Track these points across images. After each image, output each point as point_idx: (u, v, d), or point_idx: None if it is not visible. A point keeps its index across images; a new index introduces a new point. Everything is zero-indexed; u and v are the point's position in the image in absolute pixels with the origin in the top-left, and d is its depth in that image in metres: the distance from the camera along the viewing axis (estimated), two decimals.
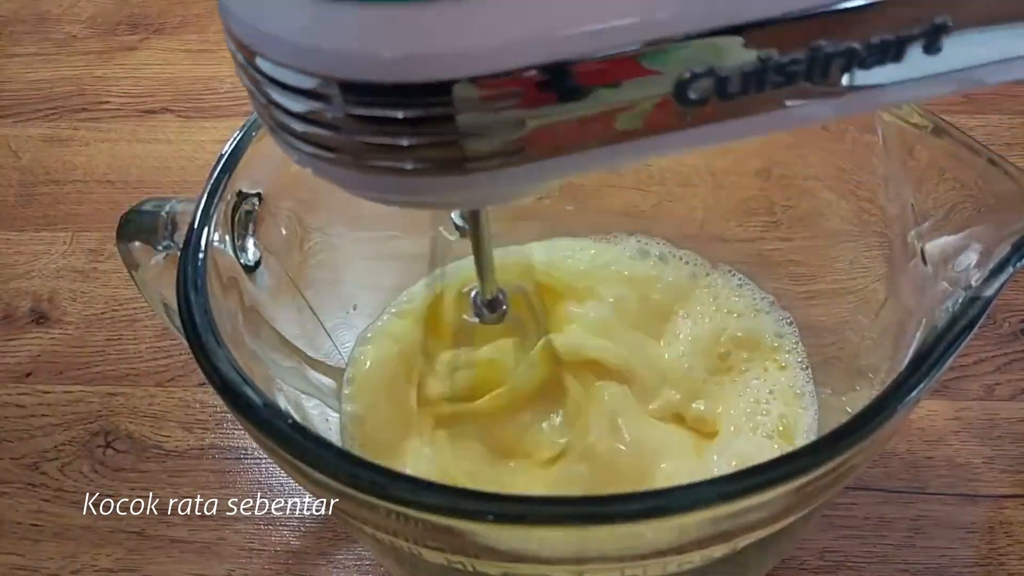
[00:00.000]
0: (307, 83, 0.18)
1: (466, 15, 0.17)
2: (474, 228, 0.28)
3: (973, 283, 0.26)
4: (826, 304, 0.38)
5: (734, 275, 0.41)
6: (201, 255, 0.28)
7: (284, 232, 0.34)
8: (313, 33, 0.18)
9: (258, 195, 0.32)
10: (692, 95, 0.19)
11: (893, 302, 0.31)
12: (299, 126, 0.19)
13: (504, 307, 0.32)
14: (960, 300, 0.25)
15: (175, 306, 0.28)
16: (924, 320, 0.26)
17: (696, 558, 0.25)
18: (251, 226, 0.32)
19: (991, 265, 0.26)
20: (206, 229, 0.29)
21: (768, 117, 0.20)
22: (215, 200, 0.30)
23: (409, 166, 0.19)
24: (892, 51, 0.19)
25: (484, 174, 0.19)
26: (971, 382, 0.41)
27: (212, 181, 0.30)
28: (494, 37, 0.17)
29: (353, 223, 0.39)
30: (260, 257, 0.32)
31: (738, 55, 0.18)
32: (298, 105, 0.19)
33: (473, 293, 0.32)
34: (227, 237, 0.30)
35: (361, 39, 0.17)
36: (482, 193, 0.22)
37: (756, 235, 0.40)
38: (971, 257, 0.26)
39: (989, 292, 0.25)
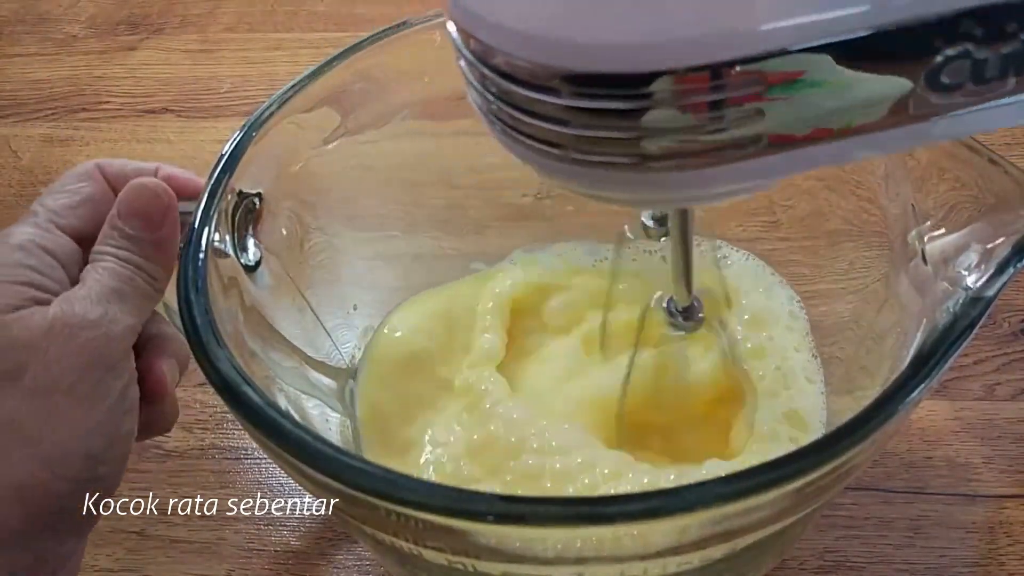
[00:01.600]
0: (537, 75, 0.19)
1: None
2: (681, 228, 0.27)
3: (973, 284, 0.26)
4: (826, 304, 0.38)
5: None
6: (202, 255, 0.28)
7: (284, 232, 0.34)
8: (546, 21, 0.18)
9: (258, 195, 0.32)
10: (945, 79, 0.18)
11: (893, 302, 0.31)
12: (527, 120, 0.20)
13: (701, 314, 0.31)
14: (961, 300, 0.25)
15: (175, 306, 0.28)
16: (925, 320, 0.26)
17: (696, 558, 0.25)
18: (251, 226, 0.32)
19: (992, 265, 0.25)
20: (206, 229, 0.29)
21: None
22: (215, 200, 0.30)
23: (623, 160, 0.19)
24: None
25: (724, 167, 0.19)
26: (971, 382, 0.41)
27: (212, 181, 0.30)
28: (749, 19, 0.17)
29: (353, 223, 0.39)
30: (260, 257, 0.32)
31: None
32: (525, 98, 0.19)
33: (667, 300, 0.31)
34: (227, 237, 0.30)
35: (600, 26, 0.18)
36: (715, 189, 0.21)
37: (756, 235, 0.40)
38: (971, 257, 0.26)
39: (990, 292, 0.25)
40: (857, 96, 0.19)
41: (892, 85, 0.19)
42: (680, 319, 0.31)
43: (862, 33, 0.18)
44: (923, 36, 0.18)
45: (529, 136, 0.20)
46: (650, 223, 0.31)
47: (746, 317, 0.38)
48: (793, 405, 0.35)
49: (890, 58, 0.18)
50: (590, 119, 0.19)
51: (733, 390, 0.36)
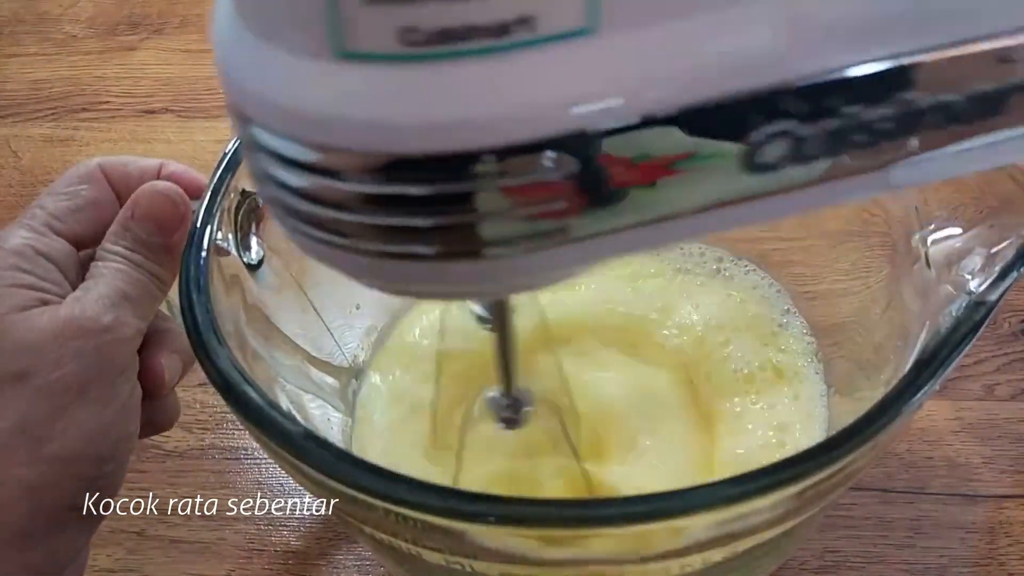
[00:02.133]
0: (311, 156, 0.16)
1: (496, 76, 0.15)
2: (500, 319, 0.25)
3: (976, 288, 0.25)
4: (827, 305, 0.38)
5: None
6: (204, 254, 0.28)
7: None
8: (319, 99, 0.15)
9: None
10: (762, 160, 0.17)
11: (896, 305, 0.31)
12: (303, 205, 0.17)
13: (528, 407, 0.29)
14: (964, 304, 0.25)
15: (177, 303, 0.28)
16: (927, 324, 0.26)
17: (697, 561, 0.25)
18: (254, 224, 0.32)
19: (995, 270, 0.25)
20: (209, 227, 0.29)
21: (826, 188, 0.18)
22: (218, 198, 0.30)
23: (432, 250, 0.17)
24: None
25: (517, 259, 0.17)
26: (971, 382, 0.41)
27: (215, 180, 0.30)
28: (524, 101, 0.15)
29: None
30: (263, 256, 0.32)
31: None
32: (301, 181, 0.16)
33: (493, 392, 0.29)
34: (230, 236, 0.30)
35: (378, 105, 0.15)
36: (513, 280, 0.19)
37: (756, 235, 0.40)
38: (975, 261, 0.26)
39: (993, 297, 0.25)
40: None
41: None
42: (507, 412, 0.29)
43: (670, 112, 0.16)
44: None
45: (313, 225, 0.17)
46: (480, 311, 0.27)
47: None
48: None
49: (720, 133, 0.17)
50: (394, 208, 0.16)
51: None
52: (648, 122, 0.16)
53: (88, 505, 0.27)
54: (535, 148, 0.16)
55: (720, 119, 0.17)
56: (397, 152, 0.15)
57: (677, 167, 0.17)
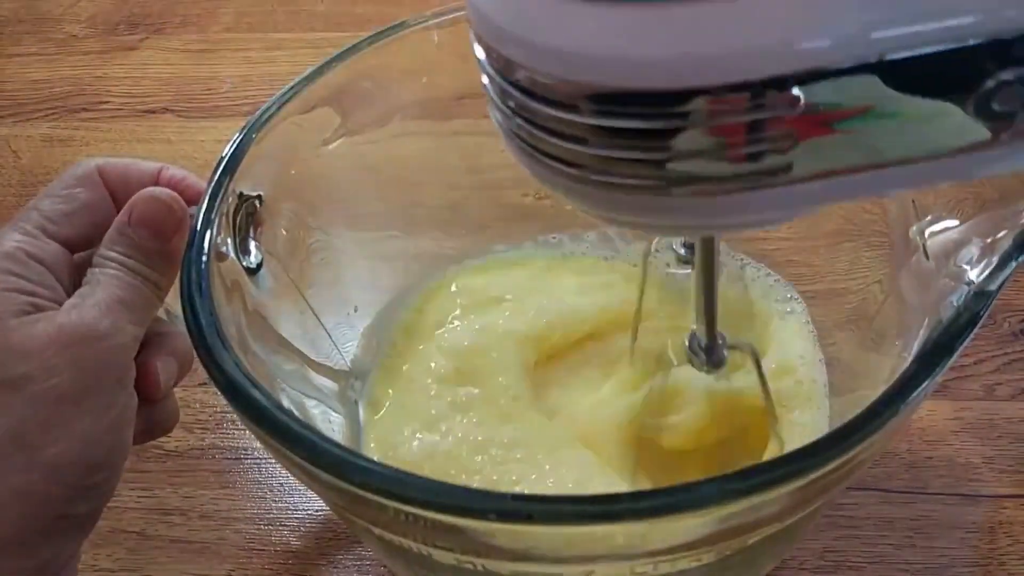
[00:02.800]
0: (558, 92, 0.18)
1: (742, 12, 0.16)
2: (704, 261, 0.25)
3: (976, 278, 0.26)
4: (827, 304, 0.38)
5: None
6: (204, 258, 0.28)
7: (285, 233, 0.34)
8: (569, 36, 0.17)
9: (259, 197, 0.32)
10: (996, 106, 0.17)
11: (894, 300, 0.31)
12: (549, 140, 0.19)
13: (725, 355, 0.29)
14: (964, 295, 0.25)
15: (177, 310, 0.28)
16: (927, 318, 0.26)
17: (703, 555, 0.25)
18: (252, 228, 0.32)
19: (994, 259, 0.26)
20: (209, 232, 0.29)
21: None
22: (216, 203, 0.30)
23: (654, 183, 0.18)
24: None
25: (742, 195, 0.18)
26: (971, 382, 0.41)
27: (213, 184, 0.30)
28: (770, 36, 0.16)
29: (353, 223, 0.39)
30: (262, 259, 0.32)
31: None
32: (547, 117, 0.18)
33: (689, 336, 0.29)
34: (229, 240, 0.30)
35: (619, 41, 0.17)
36: (733, 218, 0.20)
37: (756, 235, 0.40)
38: (973, 251, 0.26)
39: (992, 287, 0.25)
40: (925, 129, 0.18)
41: (954, 116, 0.18)
42: (703, 358, 0.29)
43: (911, 53, 0.17)
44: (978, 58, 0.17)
45: (547, 155, 0.19)
46: (681, 251, 0.29)
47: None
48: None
49: (948, 82, 0.17)
50: (614, 139, 0.18)
51: (760, 414, 0.34)
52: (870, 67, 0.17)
53: (86, 512, 0.27)
54: (758, 87, 0.17)
55: (944, 66, 0.17)
56: (628, 87, 0.17)
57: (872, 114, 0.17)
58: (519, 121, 0.19)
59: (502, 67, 0.19)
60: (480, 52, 0.20)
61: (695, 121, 0.17)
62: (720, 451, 0.34)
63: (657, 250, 0.33)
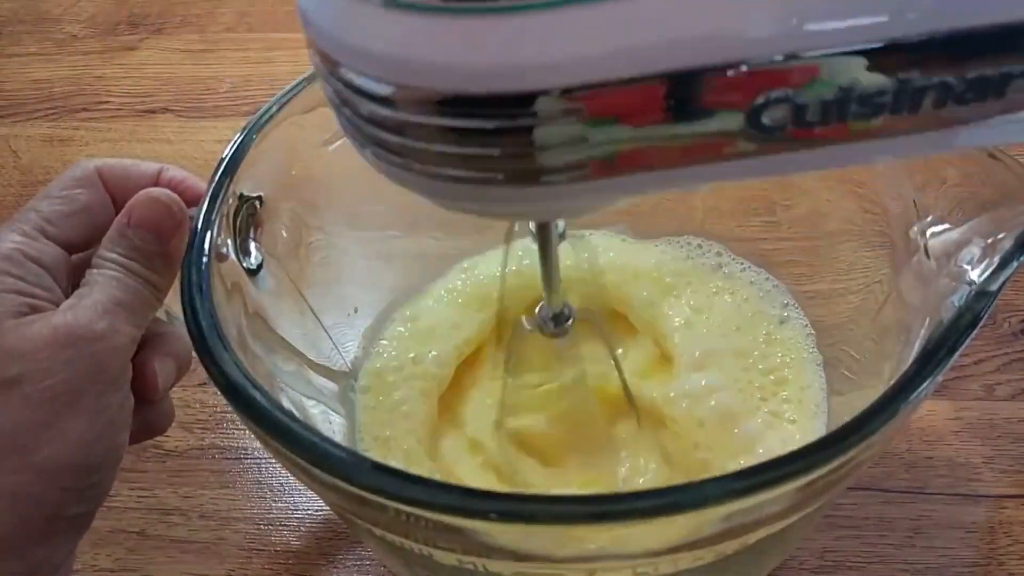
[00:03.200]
0: (389, 93, 0.18)
1: (559, 23, 0.17)
2: (542, 240, 0.27)
3: (977, 278, 0.26)
4: (827, 304, 0.38)
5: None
6: (204, 259, 0.28)
7: (285, 234, 0.34)
8: (399, 44, 0.17)
9: (259, 198, 0.32)
10: (767, 122, 0.18)
11: (895, 300, 0.31)
12: (382, 135, 0.19)
13: (569, 321, 0.31)
14: (965, 295, 0.25)
15: (176, 311, 0.28)
16: (928, 318, 0.26)
17: (706, 555, 0.25)
18: (253, 229, 0.32)
19: (995, 260, 0.26)
20: (209, 232, 0.29)
21: (844, 149, 0.19)
22: (217, 204, 0.30)
23: (486, 176, 0.19)
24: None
25: (558, 187, 0.19)
26: (971, 382, 0.41)
27: (213, 185, 0.30)
28: (584, 47, 0.17)
29: (354, 223, 0.39)
30: (262, 260, 0.32)
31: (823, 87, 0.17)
32: (381, 113, 0.19)
33: (539, 305, 0.31)
34: (229, 241, 0.30)
35: (451, 50, 0.17)
36: (554, 206, 0.21)
37: (756, 235, 0.40)
38: (974, 252, 0.26)
39: (993, 287, 0.25)
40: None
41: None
42: (550, 325, 0.32)
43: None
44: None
45: (400, 155, 0.20)
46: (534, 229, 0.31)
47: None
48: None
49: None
50: (460, 138, 0.19)
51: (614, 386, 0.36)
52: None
53: (80, 513, 0.27)
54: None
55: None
56: (442, 90, 0.18)
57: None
58: (365, 127, 0.20)
59: (336, 70, 0.19)
60: (317, 62, 0.20)
61: (519, 123, 0.18)
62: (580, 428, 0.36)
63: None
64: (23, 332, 0.26)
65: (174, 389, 0.31)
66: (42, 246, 0.28)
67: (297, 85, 0.33)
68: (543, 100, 0.17)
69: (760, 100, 0.18)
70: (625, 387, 0.35)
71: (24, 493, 0.25)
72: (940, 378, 0.24)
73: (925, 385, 0.24)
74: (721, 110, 0.18)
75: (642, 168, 0.19)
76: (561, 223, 0.29)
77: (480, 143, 0.18)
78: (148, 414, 0.30)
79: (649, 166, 0.19)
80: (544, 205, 0.21)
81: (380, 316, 0.40)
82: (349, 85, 0.19)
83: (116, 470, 0.28)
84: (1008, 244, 0.26)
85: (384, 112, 0.19)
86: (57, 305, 0.27)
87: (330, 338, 0.37)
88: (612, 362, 0.35)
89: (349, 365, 0.38)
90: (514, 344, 0.35)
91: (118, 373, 0.27)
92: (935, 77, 0.18)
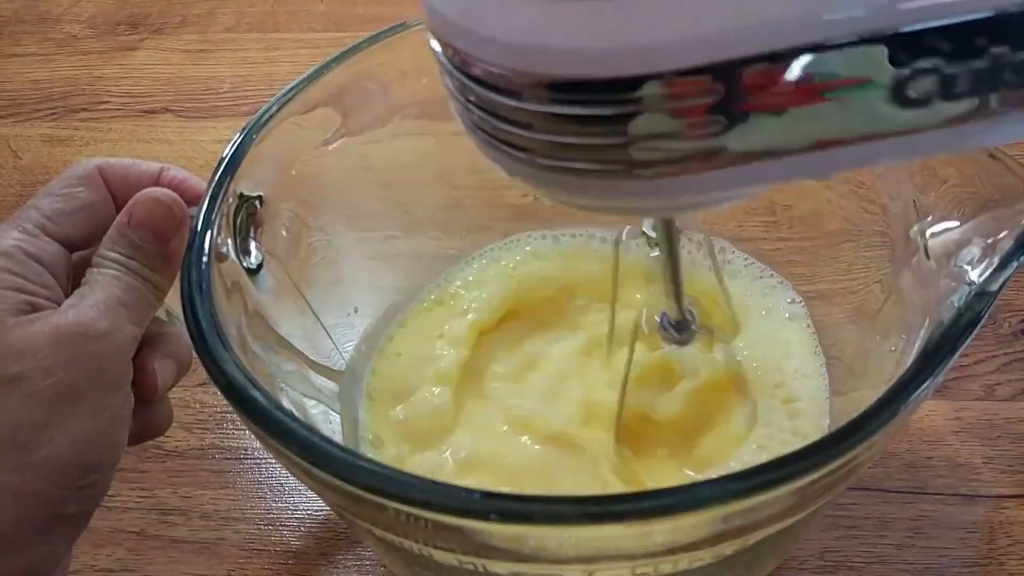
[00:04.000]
0: (510, 81, 0.18)
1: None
2: (667, 240, 0.27)
3: (977, 278, 0.26)
4: (827, 304, 0.38)
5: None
6: (205, 258, 0.28)
7: (285, 233, 0.34)
8: (519, 30, 0.18)
9: (259, 197, 0.32)
10: (911, 94, 0.18)
11: (895, 301, 0.31)
12: (502, 127, 0.19)
13: (694, 327, 0.31)
14: (965, 295, 0.25)
15: (177, 311, 0.28)
16: (928, 318, 0.26)
17: (706, 555, 0.25)
18: (253, 229, 0.32)
19: (995, 260, 0.26)
20: (209, 232, 0.29)
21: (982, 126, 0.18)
22: (217, 203, 0.30)
23: (609, 167, 0.19)
24: None
25: (683, 178, 0.19)
26: (971, 382, 0.41)
27: (213, 185, 0.30)
28: (702, 26, 0.17)
29: (353, 223, 0.39)
30: (262, 260, 0.32)
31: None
32: (501, 105, 0.19)
33: (660, 313, 0.31)
34: (229, 240, 0.30)
35: (566, 33, 0.17)
36: (678, 199, 0.21)
37: (756, 235, 0.40)
38: (974, 252, 0.26)
39: (993, 287, 0.25)
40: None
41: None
42: (673, 332, 0.31)
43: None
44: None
45: (510, 145, 0.20)
46: (650, 232, 0.30)
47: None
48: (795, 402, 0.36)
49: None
50: (573, 126, 0.19)
51: (732, 388, 0.36)
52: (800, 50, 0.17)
53: (78, 512, 0.27)
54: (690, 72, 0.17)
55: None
56: (566, 76, 0.18)
57: (827, 95, 0.18)
58: (480, 114, 0.20)
59: (458, 62, 0.19)
60: (436, 46, 0.20)
61: (649, 105, 0.18)
62: (691, 426, 0.36)
63: (630, 238, 0.35)
64: (24, 330, 0.26)
65: (174, 389, 0.31)
66: (42, 243, 0.28)
67: (297, 85, 0.33)
68: (651, 84, 0.17)
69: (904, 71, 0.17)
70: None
71: (23, 491, 0.25)
72: (940, 378, 0.24)
73: (925, 385, 0.24)
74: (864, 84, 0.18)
75: (770, 157, 0.19)
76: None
77: (603, 130, 0.18)
78: (147, 415, 0.30)
79: (779, 154, 0.19)
80: (668, 199, 0.21)
81: (381, 316, 0.40)
82: (476, 79, 0.19)
83: (115, 470, 0.28)
84: (1008, 244, 0.26)
85: (508, 102, 0.19)
86: (57, 303, 0.27)
87: (330, 338, 0.37)
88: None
89: (349, 364, 0.38)
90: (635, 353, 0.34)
91: (119, 372, 0.27)
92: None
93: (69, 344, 0.26)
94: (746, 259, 0.40)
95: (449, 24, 0.19)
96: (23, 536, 0.26)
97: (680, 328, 0.31)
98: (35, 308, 0.27)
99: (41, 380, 0.25)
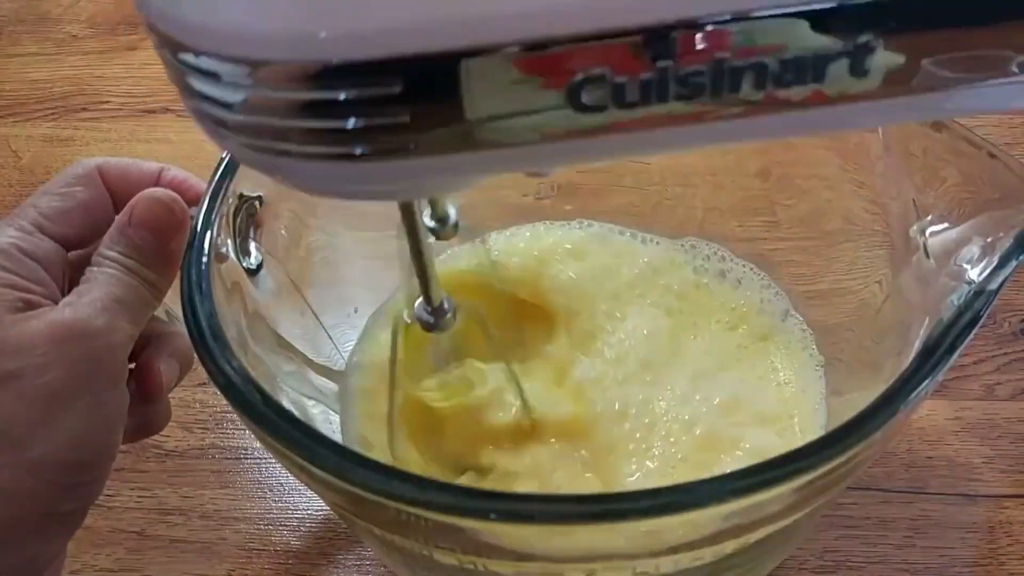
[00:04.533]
0: (235, 71, 0.17)
1: None
2: (410, 226, 0.26)
3: (976, 277, 0.26)
4: (827, 304, 0.38)
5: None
6: (205, 258, 0.28)
7: (285, 233, 0.34)
8: (239, 16, 0.17)
9: (259, 198, 0.32)
10: (585, 100, 0.17)
11: (895, 300, 0.31)
12: (236, 117, 0.18)
13: (447, 315, 0.29)
14: (964, 294, 0.25)
15: (177, 311, 0.28)
16: (928, 318, 0.26)
17: (706, 555, 0.25)
18: (253, 229, 0.32)
19: (994, 258, 0.26)
20: (209, 232, 0.29)
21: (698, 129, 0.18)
22: (217, 203, 0.30)
23: (355, 151, 0.18)
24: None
25: (429, 159, 0.18)
26: (971, 382, 0.41)
27: (213, 185, 0.30)
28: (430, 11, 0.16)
29: (353, 223, 0.39)
30: (262, 260, 0.32)
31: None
32: (233, 95, 0.18)
33: (417, 301, 0.30)
34: (229, 241, 0.30)
35: (293, 19, 0.16)
36: (422, 182, 0.20)
37: (756, 235, 0.40)
38: (973, 251, 0.26)
39: (993, 286, 0.25)
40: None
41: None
42: (431, 320, 0.30)
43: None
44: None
45: (224, 127, 0.19)
46: (431, 223, 0.29)
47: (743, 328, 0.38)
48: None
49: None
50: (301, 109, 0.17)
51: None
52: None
53: (74, 509, 0.27)
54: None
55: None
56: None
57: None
58: (194, 102, 0.19)
59: (176, 52, 0.18)
60: (155, 43, 0.19)
61: (377, 92, 0.17)
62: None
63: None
64: (21, 327, 0.26)
65: (174, 389, 0.31)
66: (38, 241, 0.28)
67: None
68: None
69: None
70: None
71: (18, 489, 0.25)
72: (940, 378, 0.24)
73: (925, 385, 0.24)
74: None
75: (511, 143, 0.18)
76: (453, 213, 0.28)
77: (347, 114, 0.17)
78: (146, 413, 0.30)
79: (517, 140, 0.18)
80: (413, 180, 0.20)
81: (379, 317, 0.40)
82: (206, 72, 0.18)
83: (110, 468, 0.28)
84: (1008, 243, 0.26)
85: (216, 92, 0.18)
86: (53, 301, 0.27)
87: (330, 338, 0.37)
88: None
89: (348, 364, 0.38)
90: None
91: (115, 371, 0.27)
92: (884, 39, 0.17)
93: (65, 342, 0.26)
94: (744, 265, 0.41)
95: (155, 11, 0.18)
96: (17, 534, 0.26)
97: (436, 315, 0.30)
98: (30, 305, 0.27)
99: (36, 377, 0.25)
